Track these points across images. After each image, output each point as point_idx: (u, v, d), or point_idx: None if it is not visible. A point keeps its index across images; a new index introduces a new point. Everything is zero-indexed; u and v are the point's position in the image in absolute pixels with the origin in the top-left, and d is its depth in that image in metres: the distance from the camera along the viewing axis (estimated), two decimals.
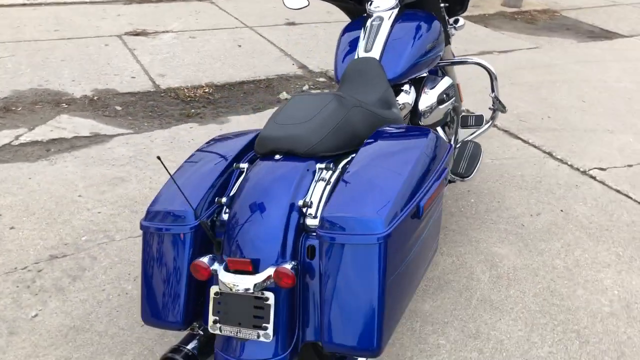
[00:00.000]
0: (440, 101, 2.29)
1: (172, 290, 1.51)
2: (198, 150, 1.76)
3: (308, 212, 1.46)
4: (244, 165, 1.62)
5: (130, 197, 2.66)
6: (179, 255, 1.50)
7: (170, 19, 5.29)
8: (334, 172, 1.55)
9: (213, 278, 1.41)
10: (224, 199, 1.54)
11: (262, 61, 4.43)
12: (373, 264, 1.30)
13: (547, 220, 2.65)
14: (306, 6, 2.43)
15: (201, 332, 1.58)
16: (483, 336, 1.99)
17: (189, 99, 3.73)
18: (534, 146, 3.36)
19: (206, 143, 1.81)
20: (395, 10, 2.24)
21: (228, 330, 1.40)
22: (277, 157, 1.57)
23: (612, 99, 4.09)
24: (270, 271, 1.36)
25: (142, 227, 1.54)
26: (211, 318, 1.42)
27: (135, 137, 3.21)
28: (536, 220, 2.65)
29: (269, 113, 3.62)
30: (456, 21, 2.50)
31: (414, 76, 2.18)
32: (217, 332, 1.41)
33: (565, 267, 2.35)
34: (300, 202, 1.45)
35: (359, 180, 1.44)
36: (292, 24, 5.35)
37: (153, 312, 1.52)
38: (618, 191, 2.93)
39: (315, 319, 1.42)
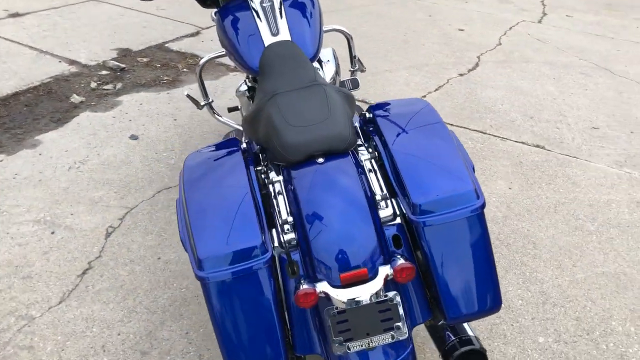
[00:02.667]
0: (337, 71, 2.38)
1: (263, 330, 1.38)
2: (189, 180, 1.54)
3: (381, 204, 1.47)
4: (278, 178, 1.51)
5: (4, 262, 2.11)
6: (264, 290, 1.37)
7: None
8: (371, 160, 1.57)
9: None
10: (289, 218, 1.43)
11: (19, 65, 3.73)
12: (481, 230, 1.41)
13: None
14: None
15: None
16: None
17: None
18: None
19: (190, 167, 1.59)
20: None
21: (358, 345, 1.37)
22: (321, 160, 1.51)
23: (368, 44, 4.64)
24: (385, 271, 1.36)
25: (202, 278, 1.33)
26: (334, 340, 1.36)
27: None
28: None
29: (78, 122, 3.15)
30: None
31: (320, 52, 2.22)
32: (346, 351, 1.36)
33: None
34: (378, 196, 1.45)
35: (418, 161, 1.50)
36: (17, 15, 4.55)
37: None
38: None
39: (420, 302, 1.47)
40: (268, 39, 2.11)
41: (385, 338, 1.37)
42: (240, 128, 2.61)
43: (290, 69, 2.00)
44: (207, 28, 4.60)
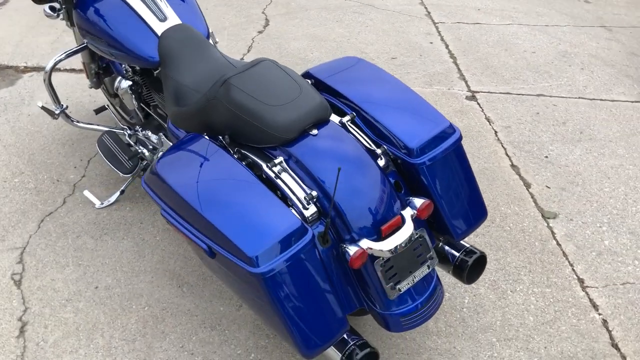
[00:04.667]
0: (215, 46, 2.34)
1: (325, 302, 1.46)
2: (179, 185, 1.48)
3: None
4: (279, 160, 1.52)
5: None
6: (315, 266, 1.43)
7: None
8: (349, 122, 1.66)
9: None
10: (313, 192, 1.48)
11: None
12: (464, 157, 1.65)
13: None
14: None
15: None
16: None
17: None
18: None
19: (170, 173, 1.52)
20: None
21: (406, 284, 1.53)
22: (314, 131, 1.56)
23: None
24: (409, 213, 1.52)
25: (262, 274, 1.34)
26: (387, 286, 1.50)
27: None
28: None
29: None
30: None
31: None
32: (398, 293, 1.50)
33: None
34: (379, 151, 1.58)
35: (392, 111, 1.65)
36: None
37: (318, 336, 1.44)
38: None
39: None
40: (158, 27, 1.99)
41: (424, 270, 1.55)
42: (112, 129, 2.41)
43: (196, 53, 1.93)
44: None
